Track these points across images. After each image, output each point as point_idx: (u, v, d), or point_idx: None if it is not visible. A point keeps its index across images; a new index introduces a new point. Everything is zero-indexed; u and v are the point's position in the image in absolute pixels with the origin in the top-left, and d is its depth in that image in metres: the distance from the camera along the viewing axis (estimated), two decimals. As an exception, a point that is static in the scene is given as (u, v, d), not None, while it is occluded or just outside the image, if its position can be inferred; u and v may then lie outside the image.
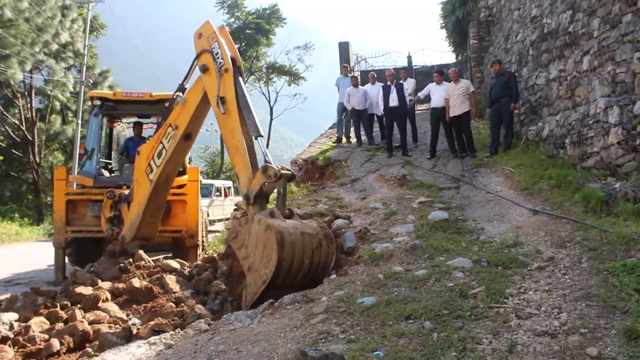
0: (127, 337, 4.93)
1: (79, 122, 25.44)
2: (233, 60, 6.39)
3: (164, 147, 7.16)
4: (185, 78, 7.10)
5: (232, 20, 33.67)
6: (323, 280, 5.46)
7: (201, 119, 7.08)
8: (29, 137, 27.04)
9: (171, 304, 6.08)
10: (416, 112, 13.04)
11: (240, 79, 6.39)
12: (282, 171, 5.54)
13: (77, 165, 19.23)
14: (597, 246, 4.65)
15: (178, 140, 6.99)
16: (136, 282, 6.72)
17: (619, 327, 3.09)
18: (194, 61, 6.76)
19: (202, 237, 10.36)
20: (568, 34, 8.81)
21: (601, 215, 5.72)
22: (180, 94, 7.02)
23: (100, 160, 10.24)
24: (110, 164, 11.34)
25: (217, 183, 21.30)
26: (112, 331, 5.13)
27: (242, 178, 5.96)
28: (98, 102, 10.18)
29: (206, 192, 17.94)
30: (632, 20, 6.71)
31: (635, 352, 2.80)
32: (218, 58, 6.39)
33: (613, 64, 6.95)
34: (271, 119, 37.20)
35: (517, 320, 3.43)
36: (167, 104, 7.52)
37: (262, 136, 6.10)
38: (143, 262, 8.03)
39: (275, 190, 6.08)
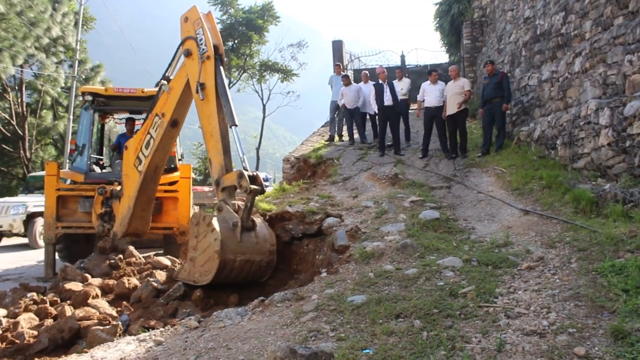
0: (117, 333, 4.91)
1: (71, 117, 25.21)
2: (216, 47, 6.46)
3: (151, 137, 7.26)
4: (170, 65, 7.18)
5: (225, 17, 33.55)
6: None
7: (186, 104, 7.15)
8: (19, 131, 26.77)
9: (161, 300, 6.07)
10: (410, 111, 13.03)
11: (222, 67, 6.47)
12: (253, 186, 5.79)
13: (68, 161, 19.11)
14: (587, 247, 4.68)
15: (165, 127, 7.10)
16: (126, 283, 6.70)
17: (607, 327, 3.11)
18: (178, 47, 6.88)
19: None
20: (560, 35, 8.86)
21: (591, 216, 5.75)
22: (165, 82, 7.07)
23: (92, 156, 10.18)
24: (101, 159, 11.29)
25: None
26: (101, 328, 5.11)
27: (214, 163, 6.23)
28: (89, 98, 10.12)
29: None
30: (623, 23, 6.76)
31: (622, 352, 2.83)
32: (201, 44, 6.49)
33: (604, 65, 6.99)
34: (264, 117, 37.11)
35: (507, 319, 3.45)
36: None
37: (236, 125, 6.23)
38: (133, 259, 8.01)
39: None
